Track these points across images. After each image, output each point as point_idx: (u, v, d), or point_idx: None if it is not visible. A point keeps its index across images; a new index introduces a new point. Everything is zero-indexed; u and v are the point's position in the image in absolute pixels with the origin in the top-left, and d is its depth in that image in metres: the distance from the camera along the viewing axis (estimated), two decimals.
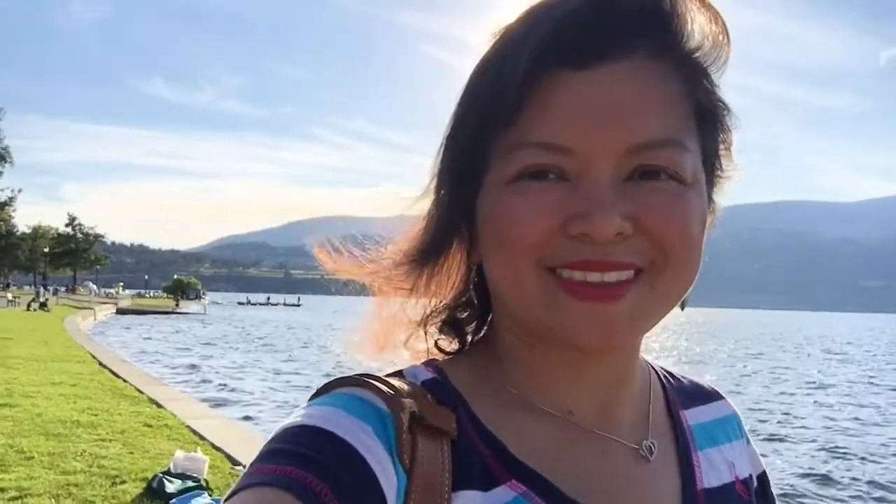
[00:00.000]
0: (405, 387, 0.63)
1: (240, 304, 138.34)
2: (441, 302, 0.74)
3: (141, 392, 12.18)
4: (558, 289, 0.59)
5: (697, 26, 0.63)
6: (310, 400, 0.63)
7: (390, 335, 0.76)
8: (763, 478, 0.81)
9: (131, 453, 7.58)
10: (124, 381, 13.65)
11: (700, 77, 0.64)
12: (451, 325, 0.75)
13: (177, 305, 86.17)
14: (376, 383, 0.62)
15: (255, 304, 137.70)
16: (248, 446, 8.62)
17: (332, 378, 0.64)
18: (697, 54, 0.63)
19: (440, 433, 0.61)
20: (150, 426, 9.16)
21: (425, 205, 0.71)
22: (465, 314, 0.75)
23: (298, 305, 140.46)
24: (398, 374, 0.68)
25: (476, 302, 0.75)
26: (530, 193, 0.60)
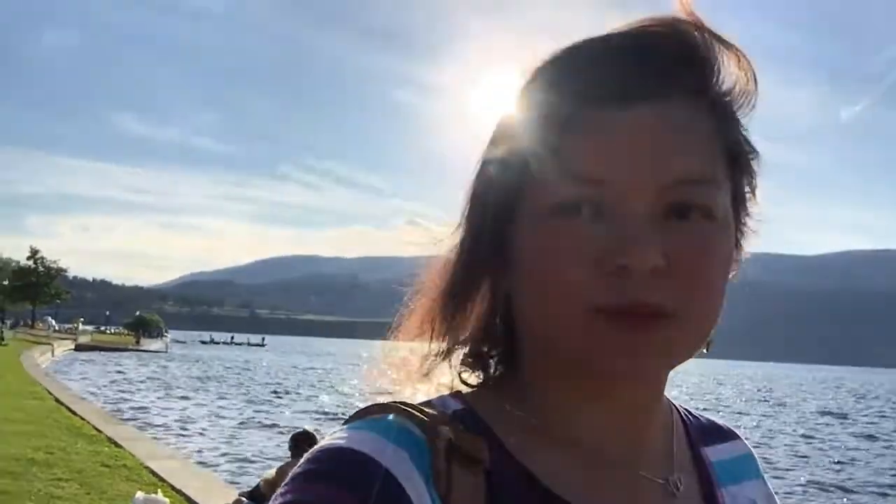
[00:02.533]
0: (440, 416, 0.64)
1: (203, 342, 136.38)
2: (465, 334, 0.73)
3: (99, 431, 11.95)
4: (598, 323, 0.60)
5: (729, 71, 0.65)
6: (345, 423, 0.64)
7: (413, 368, 0.75)
8: None
9: (88, 494, 7.43)
10: (81, 418, 13.38)
11: (731, 119, 0.66)
12: (475, 358, 0.75)
13: (137, 343, 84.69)
14: (412, 410, 0.62)
15: (218, 343, 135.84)
16: (208, 489, 8.49)
17: (370, 403, 0.64)
18: (728, 97, 0.66)
19: (474, 462, 0.61)
20: (108, 466, 8.99)
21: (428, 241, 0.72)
22: (490, 346, 0.75)
23: (263, 345, 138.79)
24: (427, 404, 0.68)
25: (501, 334, 0.74)
26: (567, 229, 0.61)
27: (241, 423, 20.85)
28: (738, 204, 0.68)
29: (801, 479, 17.18)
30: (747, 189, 0.69)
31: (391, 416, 0.62)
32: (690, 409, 0.84)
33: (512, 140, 0.65)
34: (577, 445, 0.67)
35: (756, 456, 0.84)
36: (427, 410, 0.63)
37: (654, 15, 0.64)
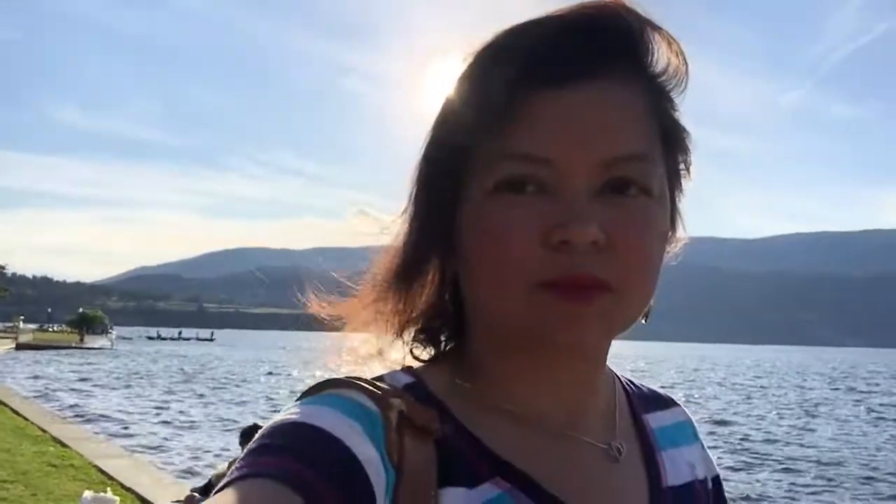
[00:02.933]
0: (392, 390, 0.65)
1: (150, 338, 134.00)
2: (416, 312, 0.75)
3: (44, 431, 11.73)
4: (541, 295, 0.62)
5: (662, 53, 0.69)
6: (299, 399, 0.64)
7: (368, 348, 0.78)
8: (717, 480, 0.86)
9: (34, 495, 7.32)
10: (25, 419, 13.11)
11: (665, 99, 0.69)
12: (426, 334, 0.77)
13: (81, 340, 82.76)
14: (364, 384, 0.64)
15: (165, 339, 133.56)
16: (158, 486, 8.41)
17: (322, 380, 0.65)
18: (662, 78, 0.69)
19: (426, 432, 0.63)
20: (54, 466, 8.85)
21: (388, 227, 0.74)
22: (440, 323, 0.77)
23: (212, 340, 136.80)
24: (378, 379, 0.70)
25: (450, 310, 0.76)
26: (511, 206, 0.63)
27: (190, 419, 20.61)
28: (673, 181, 0.71)
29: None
30: (682, 167, 0.72)
31: (344, 391, 0.63)
32: (632, 379, 0.87)
33: (454, 123, 0.67)
34: (523, 415, 0.70)
35: (694, 422, 0.87)
36: (379, 384, 0.65)
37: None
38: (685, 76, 0.71)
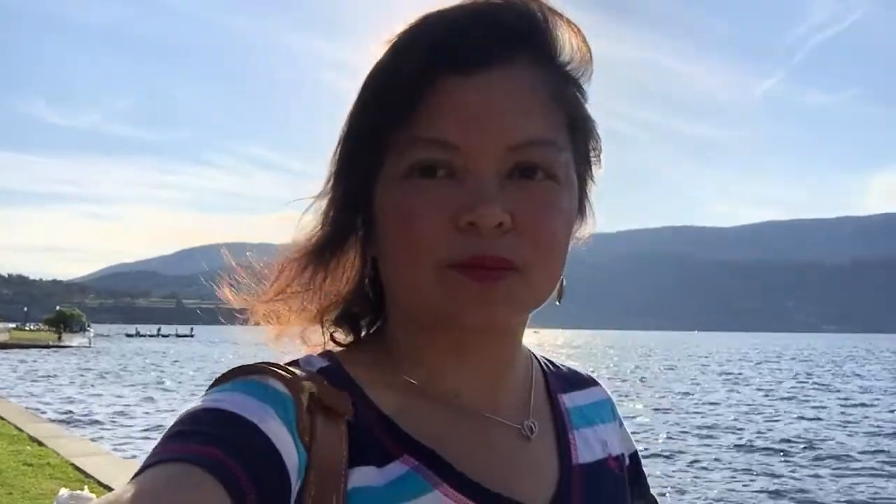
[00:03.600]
0: (303, 373, 0.66)
1: (128, 335, 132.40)
2: (336, 296, 0.77)
3: (20, 430, 11.63)
4: (451, 276, 0.64)
5: (567, 42, 0.71)
6: (211, 387, 0.65)
7: (291, 330, 0.79)
8: (635, 457, 0.89)
9: (10, 494, 7.28)
10: (1, 418, 12.98)
11: (571, 87, 0.71)
12: (346, 319, 0.79)
13: (59, 339, 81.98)
14: (275, 369, 0.65)
15: (144, 336, 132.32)
16: None
17: (233, 367, 0.66)
18: (568, 67, 0.71)
19: (337, 414, 0.65)
20: (30, 465, 8.79)
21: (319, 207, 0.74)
22: (360, 308, 0.79)
23: (192, 336, 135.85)
24: (294, 363, 0.71)
25: (370, 295, 0.78)
26: (422, 190, 0.65)
27: (169, 415, 20.50)
28: (581, 168, 0.73)
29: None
30: (592, 153, 0.75)
31: (256, 376, 0.64)
32: (552, 359, 0.89)
33: (368, 109, 0.69)
34: (438, 395, 0.72)
35: (613, 400, 0.90)
36: (291, 369, 0.66)
37: None
38: (590, 64, 0.73)
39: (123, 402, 23.82)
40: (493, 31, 0.66)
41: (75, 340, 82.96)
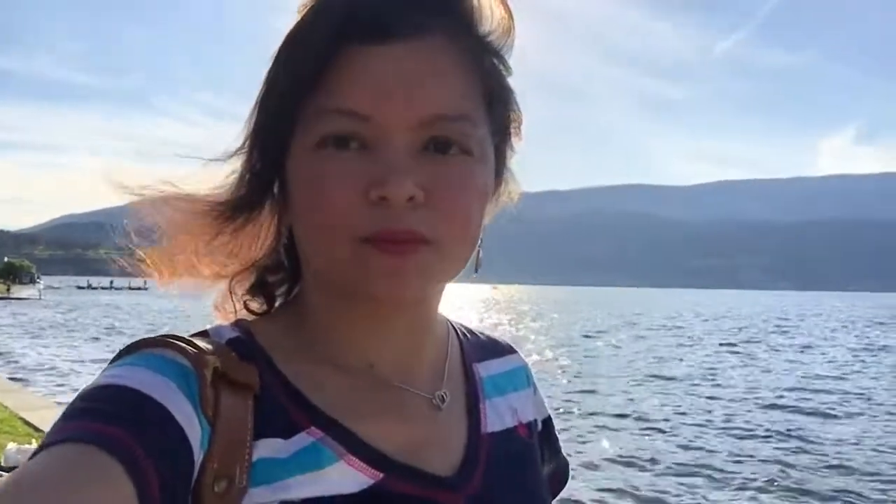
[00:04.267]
0: (209, 346, 0.65)
1: (79, 287, 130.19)
2: (249, 261, 0.76)
3: None
4: (363, 249, 0.64)
5: (488, 12, 0.70)
6: (112, 361, 0.64)
7: (184, 279, 0.78)
8: (548, 421, 0.90)
9: None
10: None
11: (490, 59, 0.70)
12: (261, 287, 0.78)
13: (8, 291, 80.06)
14: (178, 342, 0.64)
15: (96, 288, 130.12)
16: None
17: (136, 340, 0.65)
18: (488, 38, 0.70)
19: (243, 387, 0.64)
20: None
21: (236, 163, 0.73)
22: (275, 276, 0.79)
23: (146, 289, 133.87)
24: (203, 333, 0.71)
25: (286, 264, 0.78)
26: (334, 161, 0.64)
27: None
28: (500, 140, 0.73)
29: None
30: (512, 126, 0.75)
31: (159, 350, 0.63)
32: (472, 328, 0.90)
33: (281, 75, 0.68)
34: (351, 366, 0.72)
35: (529, 367, 0.91)
36: (195, 341, 0.65)
37: None
38: (511, 34, 0.72)
39: (73, 354, 23.39)
40: (407, 2, 0.65)
41: (24, 292, 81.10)
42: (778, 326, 48.78)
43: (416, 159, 0.64)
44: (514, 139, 0.76)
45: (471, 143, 0.66)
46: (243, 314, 0.78)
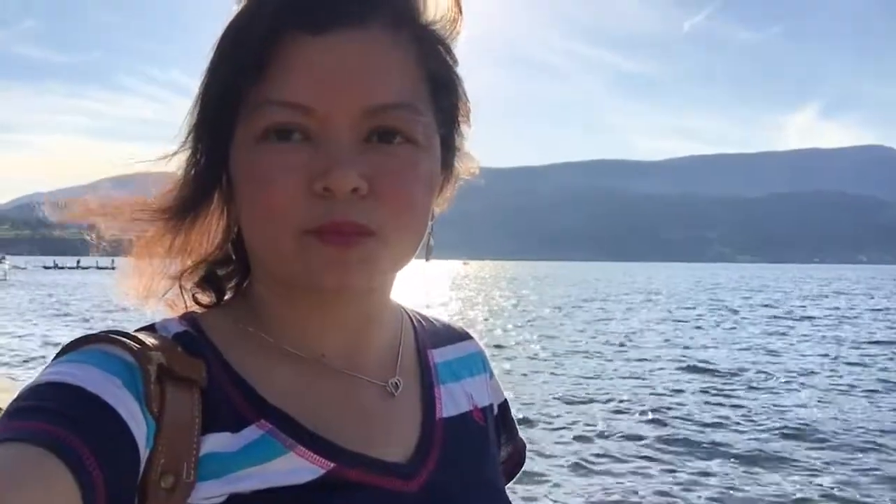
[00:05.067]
0: (154, 340, 0.65)
1: (46, 267, 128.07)
2: (200, 257, 0.76)
3: None
4: (307, 241, 0.64)
5: (433, 2, 0.70)
6: (56, 357, 0.63)
7: (151, 288, 0.77)
8: (504, 405, 0.91)
9: None
10: None
11: (434, 48, 0.70)
12: (210, 281, 0.78)
13: None
14: (123, 338, 0.63)
15: (63, 268, 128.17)
16: None
17: (80, 336, 0.64)
18: (432, 26, 0.70)
19: (189, 382, 0.64)
20: None
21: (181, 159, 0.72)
22: (226, 270, 0.78)
23: (113, 268, 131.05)
24: (150, 328, 0.70)
25: (234, 257, 0.78)
26: (277, 154, 0.64)
27: None
28: (446, 129, 0.72)
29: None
30: (460, 114, 0.74)
31: (103, 346, 0.62)
32: (427, 315, 0.90)
33: (222, 66, 0.67)
34: (302, 357, 0.72)
35: (485, 353, 0.92)
36: (140, 337, 0.64)
37: None
38: (458, 22, 0.72)
39: (34, 333, 23.00)
40: None
41: None
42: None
43: (360, 150, 0.64)
44: (462, 127, 0.75)
45: (415, 132, 0.66)
46: (193, 308, 0.78)
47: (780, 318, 32.21)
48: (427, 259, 0.76)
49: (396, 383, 0.77)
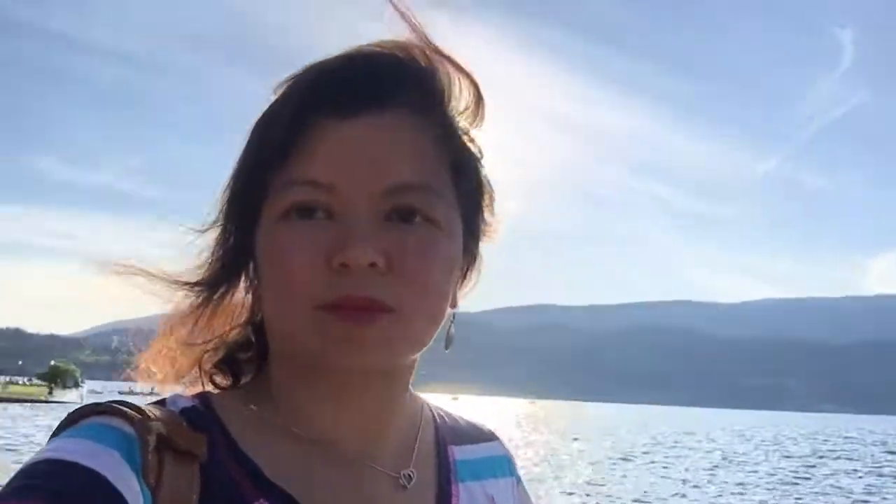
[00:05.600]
0: (157, 412, 0.64)
1: (121, 392, 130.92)
2: (220, 339, 0.77)
3: None
4: (323, 317, 0.64)
5: (454, 88, 0.72)
6: (56, 431, 0.63)
7: (171, 370, 0.79)
8: None
9: None
10: None
11: (457, 134, 0.72)
12: (229, 364, 0.78)
13: (50, 393, 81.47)
14: (122, 408, 0.63)
15: (137, 394, 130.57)
16: None
17: (81, 406, 0.64)
18: (454, 112, 0.72)
19: (190, 456, 0.63)
20: None
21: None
22: (246, 354, 0.78)
23: None
24: (160, 402, 0.70)
25: (253, 338, 0.78)
26: (298, 231, 0.65)
27: None
28: (469, 213, 0.73)
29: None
30: (484, 201, 0.76)
31: (103, 418, 0.62)
32: (452, 412, 0.88)
33: (252, 150, 0.70)
34: (315, 442, 0.70)
35: (512, 457, 0.89)
36: (143, 408, 0.64)
37: (388, 38, 0.71)
38: (479, 107, 0.74)
39: None
40: (372, 77, 0.67)
41: (67, 396, 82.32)
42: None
43: (380, 227, 0.65)
44: (486, 214, 0.77)
45: (435, 213, 0.67)
46: (210, 389, 0.77)
47: None
48: (447, 348, 0.76)
49: (410, 475, 0.74)
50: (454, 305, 0.74)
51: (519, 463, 0.87)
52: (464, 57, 0.72)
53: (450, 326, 0.73)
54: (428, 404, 0.85)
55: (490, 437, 0.88)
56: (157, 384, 0.79)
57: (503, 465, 0.86)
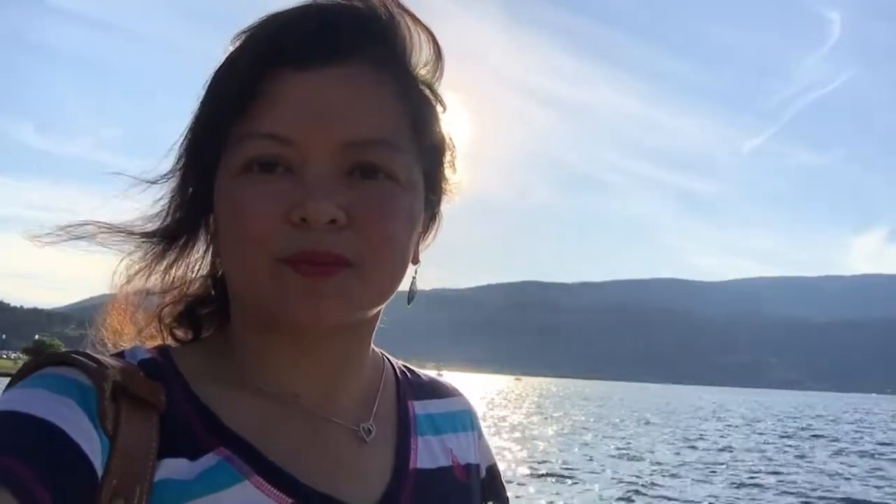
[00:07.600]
0: (115, 363, 0.64)
1: None
2: (180, 292, 0.76)
3: None
4: (281, 270, 0.63)
5: (415, 43, 0.72)
6: (11, 382, 0.63)
7: (128, 323, 0.78)
8: (493, 469, 0.90)
9: None
10: None
11: (416, 88, 0.72)
12: (189, 317, 0.78)
13: None
14: (78, 357, 0.62)
15: None
16: None
17: (40, 356, 0.64)
18: (415, 67, 0.72)
19: (147, 404, 0.63)
20: None
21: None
22: (206, 310, 0.78)
23: None
24: (119, 354, 0.70)
25: (213, 293, 0.77)
26: (257, 184, 0.65)
27: None
28: (430, 169, 0.73)
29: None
30: (445, 158, 0.76)
31: (58, 369, 0.62)
32: (414, 368, 0.89)
33: (210, 101, 0.69)
34: (274, 395, 0.71)
35: (475, 411, 0.90)
36: (99, 357, 0.64)
37: None
38: (438, 63, 0.73)
39: None
40: (331, 29, 0.66)
41: None
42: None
43: (341, 183, 0.65)
44: (447, 171, 0.76)
45: (395, 169, 0.66)
46: (170, 342, 0.77)
47: None
48: (409, 302, 0.76)
49: (369, 428, 0.75)
50: (416, 261, 0.74)
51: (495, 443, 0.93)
52: (425, 14, 0.71)
53: (412, 282, 0.73)
54: (390, 360, 0.85)
55: (452, 392, 0.89)
56: (124, 342, 0.77)
57: (464, 420, 0.87)
